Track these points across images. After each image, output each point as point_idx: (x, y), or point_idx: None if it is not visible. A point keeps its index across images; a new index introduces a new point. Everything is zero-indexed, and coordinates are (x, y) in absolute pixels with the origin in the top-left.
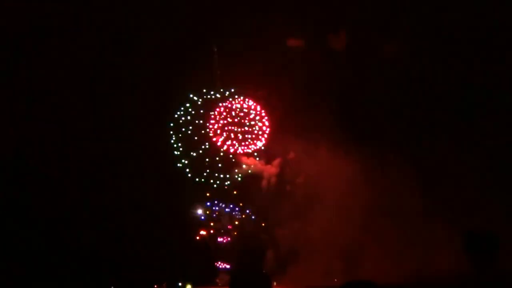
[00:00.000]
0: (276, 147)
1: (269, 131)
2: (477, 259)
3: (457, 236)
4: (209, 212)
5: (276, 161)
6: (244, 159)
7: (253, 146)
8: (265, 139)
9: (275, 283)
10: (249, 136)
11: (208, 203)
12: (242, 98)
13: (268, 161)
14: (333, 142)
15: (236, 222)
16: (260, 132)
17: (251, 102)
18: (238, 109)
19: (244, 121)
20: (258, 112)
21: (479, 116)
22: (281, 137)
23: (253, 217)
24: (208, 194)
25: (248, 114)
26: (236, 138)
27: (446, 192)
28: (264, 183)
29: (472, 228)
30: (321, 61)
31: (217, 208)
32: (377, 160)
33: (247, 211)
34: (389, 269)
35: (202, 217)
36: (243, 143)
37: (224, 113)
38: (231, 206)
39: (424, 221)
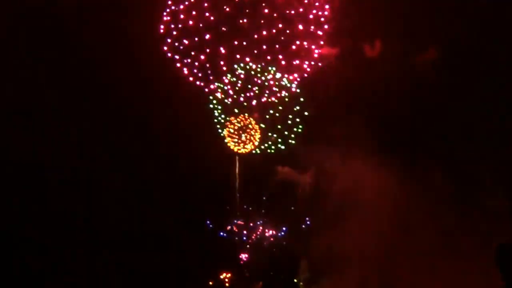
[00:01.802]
0: (311, 156)
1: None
2: (509, 271)
3: (491, 249)
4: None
5: (311, 170)
6: (280, 168)
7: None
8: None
9: None
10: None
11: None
12: None
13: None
14: (369, 151)
15: (271, 231)
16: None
17: None
18: None
19: None
20: None
21: None
22: (316, 146)
23: (286, 226)
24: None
25: None
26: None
27: (482, 202)
28: (299, 192)
29: (505, 240)
30: (355, 70)
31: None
32: (413, 171)
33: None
34: (424, 282)
35: (224, 234)
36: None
37: None
38: (263, 212)
39: (461, 233)
